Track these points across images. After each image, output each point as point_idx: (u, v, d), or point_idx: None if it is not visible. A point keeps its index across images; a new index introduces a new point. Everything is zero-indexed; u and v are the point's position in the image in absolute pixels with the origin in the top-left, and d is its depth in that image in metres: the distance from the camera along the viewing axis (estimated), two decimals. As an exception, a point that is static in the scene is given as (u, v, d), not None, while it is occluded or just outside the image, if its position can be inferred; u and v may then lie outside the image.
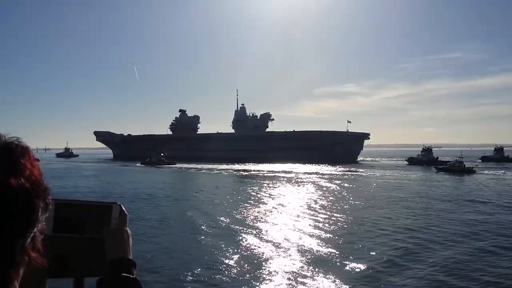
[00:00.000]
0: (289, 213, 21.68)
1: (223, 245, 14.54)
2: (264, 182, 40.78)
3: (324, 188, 34.66)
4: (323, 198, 28.09)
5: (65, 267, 1.07)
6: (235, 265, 12.35)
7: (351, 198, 27.84)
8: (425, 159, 78.35)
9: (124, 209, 1.14)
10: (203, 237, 16.21)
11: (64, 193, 29.87)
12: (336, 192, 31.76)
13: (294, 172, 55.57)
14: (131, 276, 1.03)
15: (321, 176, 49.45)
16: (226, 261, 12.69)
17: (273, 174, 52.35)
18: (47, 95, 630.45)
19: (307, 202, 25.57)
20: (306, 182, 41.05)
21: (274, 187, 35.61)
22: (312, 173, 54.78)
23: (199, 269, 11.91)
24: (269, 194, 30.83)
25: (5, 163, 0.72)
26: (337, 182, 40.64)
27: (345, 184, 38.46)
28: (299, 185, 37.53)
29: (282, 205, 24.52)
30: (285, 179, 44.77)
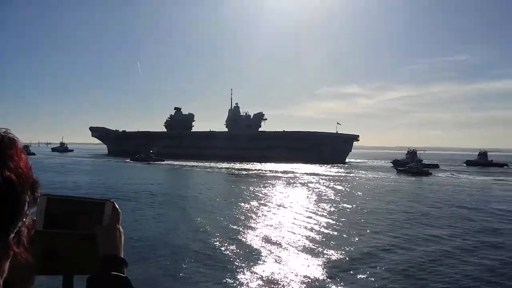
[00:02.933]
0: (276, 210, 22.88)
1: (210, 244, 14.75)
2: (251, 180, 42.88)
3: (303, 186, 36.72)
4: (298, 196, 30.16)
5: (55, 263, 1.05)
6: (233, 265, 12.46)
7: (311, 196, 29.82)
8: (409, 161, 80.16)
9: (117, 206, 1.11)
10: (181, 231, 17.74)
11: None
12: (310, 191, 33.68)
13: (280, 171, 57.65)
14: (122, 274, 1.01)
15: (308, 174, 51.60)
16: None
17: (261, 173, 54.50)
18: (44, 89, 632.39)
19: (287, 198, 27.76)
20: (292, 180, 43.23)
21: (259, 185, 37.38)
22: (300, 172, 56.83)
23: (189, 267, 11.98)
24: (252, 191, 32.56)
25: None
26: (314, 180, 42.86)
27: (318, 182, 40.48)
28: (285, 184, 39.58)
29: (265, 204, 25.63)
30: (272, 177, 46.94)
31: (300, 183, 40.55)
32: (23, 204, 0.74)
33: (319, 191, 33.22)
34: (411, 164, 64.16)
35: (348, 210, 23.32)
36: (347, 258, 13.09)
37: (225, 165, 69.96)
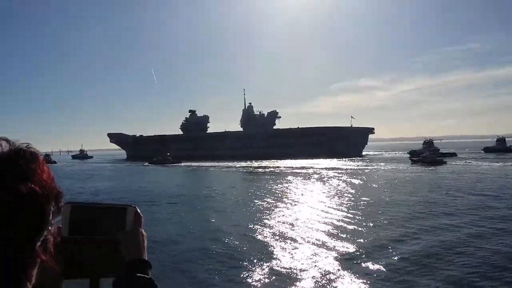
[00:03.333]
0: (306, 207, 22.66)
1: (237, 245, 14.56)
2: (270, 177, 43.28)
3: (320, 181, 37.05)
4: (315, 191, 30.57)
5: (80, 268, 1.10)
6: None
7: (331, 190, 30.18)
8: (426, 151, 79.46)
9: (139, 211, 1.14)
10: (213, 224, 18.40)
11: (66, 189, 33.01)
12: (327, 185, 33.97)
13: (297, 168, 58.10)
14: (146, 276, 1.05)
15: (324, 169, 51.70)
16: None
17: (278, 170, 54.89)
18: (62, 99, 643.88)
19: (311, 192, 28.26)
20: (309, 176, 43.56)
21: (280, 182, 37.56)
22: (317, 168, 56.95)
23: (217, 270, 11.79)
24: (273, 188, 32.76)
25: (14, 169, 0.73)
26: (330, 174, 43.08)
27: (341, 177, 40.70)
28: (303, 179, 39.87)
29: (283, 200, 25.72)
30: (290, 174, 47.39)
31: (317, 178, 40.83)
32: (48, 214, 0.77)
33: (336, 185, 33.51)
34: (425, 154, 63.96)
35: (364, 202, 23.60)
36: (363, 249, 13.33)
37: (242, 164, 70.56)
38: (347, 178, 38.86)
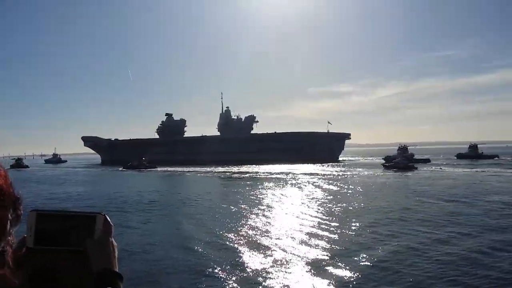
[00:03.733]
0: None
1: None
2: (244, 183, 43.02)
3: (294, 186, 37.19)
4: (288, 196, 30.55)
5: (47, 281, 1.01)
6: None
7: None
8: (400, 157, 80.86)
9: (109, 219, 1.09)
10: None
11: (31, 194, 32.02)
12: (300, 190, 34.08)
13: (271, 173, 58.09)
14: None
15: (299, 174, 51.94)
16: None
17: (253, 176, 54.77)
18: (35, 101, 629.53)
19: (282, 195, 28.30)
20: (282, 181, 43.58)
21: (255, 188, 37.42)
22: (291, 173, 57.11)
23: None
24: (248, 194, 32.71)
25: None
26: (304, 180, 43.29)
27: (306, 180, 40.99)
28: (276, 184, 39.84)
29: (254, 204, 26.08)
30: (264, 179, 47.33)
31: (291, 183, 40.99)
32: (4, 223, 0.71)
33: (309, 191, 33.54)
34: (397, 160, 65.24)
35: (335, 208, 23.74)
36: (331, 255, 13.41)
37: (219, 169, 70.15)
38: (320, 184, 39.11)
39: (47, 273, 1.02)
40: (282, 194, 31.24)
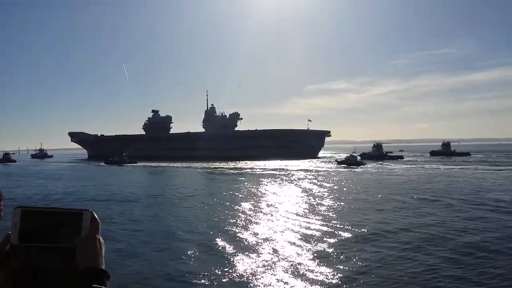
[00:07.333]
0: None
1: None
2: (225, 178, 46.03)
3: (271, 181, 40.19)
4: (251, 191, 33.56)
5: (32, 279, 0.98)
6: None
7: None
8: (376, 154, 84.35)
9: (96, 216, 1.06)
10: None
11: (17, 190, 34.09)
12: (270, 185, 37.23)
13: (249, 168, 61.26)
14: (104, 287, 0.97)
15: (268, 169, 55.36)
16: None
17: (232, 171, 57.57)
18: (22, 97, 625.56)
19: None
20: (254, 176, 46.67)
21: (231, 182, 40.64)
22: (265, 168, 60.58)
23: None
24: (221, 188, 35.78)
25: None
26: (274, 174, 46.67)
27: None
28: (250, 179, 42.96)
29: (231, 200, 27.58)
30: (240, 174, 50.47)
31: (253, 176, 43.98)
32: None
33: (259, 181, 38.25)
34: (348, 156, 69.82)
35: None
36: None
37: (202, 164, 72.46)
38: (278, 177, 43.96)
39: (32, 270, 1.00)
40: (257, 190, 34.08)
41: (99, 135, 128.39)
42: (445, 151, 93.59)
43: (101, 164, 79.35)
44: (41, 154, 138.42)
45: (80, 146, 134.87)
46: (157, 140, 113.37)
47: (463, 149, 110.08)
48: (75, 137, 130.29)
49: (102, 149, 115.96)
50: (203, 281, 11.34)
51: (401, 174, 46.04)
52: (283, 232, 17.02)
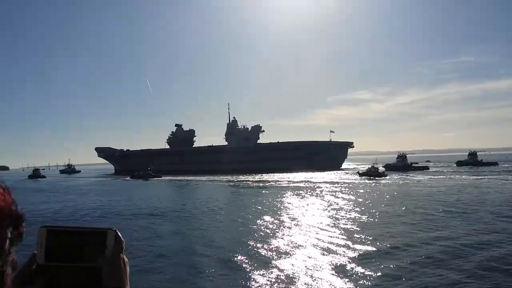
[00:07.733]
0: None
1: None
2: (247, 191, 46.75)
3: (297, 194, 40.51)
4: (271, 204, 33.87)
5: None
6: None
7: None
8: (400, 165, 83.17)
9: (120, 234, 1.05)
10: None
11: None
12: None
13: (271, 181, 61.52)
14: None
15: (288, 182, 55.65)
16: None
17: (256, 184, 58.04)
18: (51, 114, 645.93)
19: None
20: (277, 189, 47.03)
21: (252, 195, 41.22)
22: (287, 180, 60.67)
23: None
24: (243, 200, 36.32)
25: None
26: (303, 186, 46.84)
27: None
28: (270, 192, 43.39)
29: (252, 213, 28.33)
30: (262, 187, 50.94)
31: (292, 192, 44.08)
32: (2, 242, 0.69)
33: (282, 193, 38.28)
34: (369, 168, 68.65)
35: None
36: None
37: (226, 177, 73.19)
38: (298, 188, 43.24)
39: None
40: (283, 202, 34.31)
41: (125, 149, 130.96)
42: (472, 161, 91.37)
43: (127, 178, 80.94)
44: (70, 170, 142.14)
45: (106, 161, 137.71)
46: (181, 154, 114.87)
47: (489, 158, 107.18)
48: (102, 152, 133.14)
49: (128, 163, 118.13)
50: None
51: (427, 185, 45.46)
52: (306, 247, 17.26)
